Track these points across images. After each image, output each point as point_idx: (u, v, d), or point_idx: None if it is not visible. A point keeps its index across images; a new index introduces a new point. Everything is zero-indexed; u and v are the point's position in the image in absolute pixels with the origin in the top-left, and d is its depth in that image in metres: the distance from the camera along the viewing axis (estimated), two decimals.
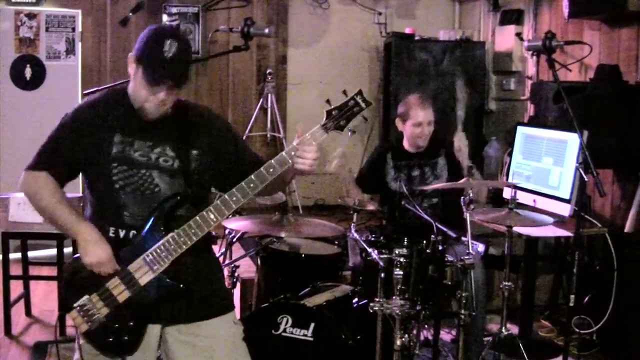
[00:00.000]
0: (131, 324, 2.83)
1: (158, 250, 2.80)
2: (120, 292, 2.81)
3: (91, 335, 2.85)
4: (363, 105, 2.90)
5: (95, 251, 2.80)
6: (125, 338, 2.84)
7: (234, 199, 2.81)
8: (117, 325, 2.83)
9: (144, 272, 2.80)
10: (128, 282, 2.81)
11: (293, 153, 2.83)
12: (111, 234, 2.87)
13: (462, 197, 4.08)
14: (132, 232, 2.86)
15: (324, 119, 2.86)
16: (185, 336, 2.97)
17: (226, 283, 4.37)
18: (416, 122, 4.73)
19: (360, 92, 2.91)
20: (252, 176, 2.81)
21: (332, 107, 2.88)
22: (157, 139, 2.90)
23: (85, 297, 2.83)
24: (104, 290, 2.82)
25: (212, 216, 2.82)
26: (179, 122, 2.94)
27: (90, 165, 2.90)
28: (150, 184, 2.87)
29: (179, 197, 2.87)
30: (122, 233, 2.87)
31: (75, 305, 2.83)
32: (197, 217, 2.81)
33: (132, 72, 2.84)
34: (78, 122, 2.92)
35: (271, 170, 2.82)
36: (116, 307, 2.82)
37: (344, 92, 2.89)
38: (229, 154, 3.05)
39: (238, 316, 3.28)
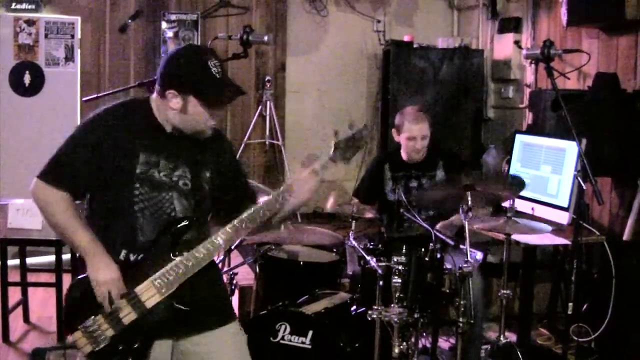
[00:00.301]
0: (136, 345, 2.82)
1: (167, 274, 2.79)
2: (127, 314, 2.79)
3: (95, 356, 2.81)
4: (368, 139, 2.94)
5: (104, 272, 2.77)
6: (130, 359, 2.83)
7: (244, 225, 2.84)
8: (122, 347, 2.81)
9: (151, 295, 2.79)
10: (135, 304, 2.79)
11: (294, 185, 2.90)
12: (121, 257, 2.84)
13: (460, 206, 4.09)
14: (142, 256, 2.84)
15: (332, 150, 2.92)
16: (194, 347, 2.96)
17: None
18: (410, 136, 4.74)
19: (365, 127, 2.97)
20: (263, 203, 2.85)
21: (340, 139, 2.93)
22: (179, 161, 2.89)
23: (91, 318, 2.80)
24: (110, 312, 2.80)
25: (221, 242, 2.84)
26: (196, 143, 2.93)
27: (109, 183, 2.83)
28: (168, 207, 2.86)
29: (187, 221, 2.87)
30: (132, 257, 2.85)
31: (79, 326, 2.80)
32: (207, 243, 2.83)
33: (177, 106, 2.80)
34: (98, 132, 2.83)
35: (280, 198, 2.87)
36: (122, 328, 2.80)
37: (350, 126, 2.94)
38: (231, 179, 3.09)
39: None
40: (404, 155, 4.86)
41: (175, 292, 2.81)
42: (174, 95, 2.79)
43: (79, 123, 2.90)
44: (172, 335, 2.93)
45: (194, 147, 2.92)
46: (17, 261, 5.61)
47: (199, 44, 7.83)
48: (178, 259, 2.80)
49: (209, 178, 2.96)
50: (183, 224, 2.85)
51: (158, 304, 2.80)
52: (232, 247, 4.65)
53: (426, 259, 3.96)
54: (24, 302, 5.65)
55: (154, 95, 2.90)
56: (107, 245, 2.82)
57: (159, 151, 2.85)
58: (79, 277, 2.85)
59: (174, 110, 2.81)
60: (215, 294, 3.07)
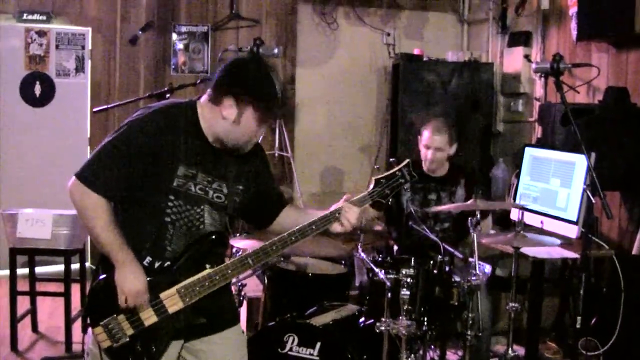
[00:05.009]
0: (153, 348, 2.84)
1: (192, 284, 2.82)
2: (148, 317, 2.82)
3: (112, 352, 2.84)
4: (408, 177, 2.94)
5: (132, 283, 2.78)
6: None
7: (274, 248, 2.86)
8: (139, 348, 2.83)
9: (174, 302, 2.82)
10: (158, 309, 2.82)
11: (337, 214, 2.89)
12: (145, 263, 2.84)
13: (469, 219, 4.09)
14: (167, 264, 2.85)
15: (372, 186, 2.92)
16: (200, 345, 2.98)
17: None
18: (425, 144, 4.78)
19: (408, 164, 2.95)
20: (295, 230, 2.86)
21: (381, 175, 2.94)
22: (216, 175, 2.89)
23: (113, 316, 2.82)
24: (132, 314, 2.82)
25: (250, 261, 2.86)
26: (236, 157, 2.94)
27: (144, 191, 2.82)
28: (198, 220, 2.87)
29: (219, 236, 2.91)
30: (157, 264, 2.85)
31: (101, 323, 2.82)
32: (237, 261, 2.85)
33: (231, 116, 2.78)
34: (143, 137, 2.76)
35: (314, 227, 2.89)
36: (141, 330, 2.82)
37: (392, 163, 2.96)
38: (264, 190, 3.10)
39: None
40: (424, 166, 4.87)
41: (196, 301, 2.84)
42: (231, 105, 2.78)
43: (126, 122, 2.81)
44: (185, 337, 2.94)
45: (233, 161, 2.93)
46: (26, 270, 5.63)
47: (208, 56, 7.85)
48: (207, 272, 2.83)
49: (241, 191, 2.97)
50: (214, 237, 2.89)
51: (179, 311, 2.83)
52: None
53: (434, 271, 3.96)
54: (33, 312, 5.66)
55: (204, 100, 2.88)
56: (133, 249, 2.81)
57: (199, 164, 2.84)
58: (107, 276, 2.83)
59: (226, 119, 2.79)
60: (225, 297, 3.09)
